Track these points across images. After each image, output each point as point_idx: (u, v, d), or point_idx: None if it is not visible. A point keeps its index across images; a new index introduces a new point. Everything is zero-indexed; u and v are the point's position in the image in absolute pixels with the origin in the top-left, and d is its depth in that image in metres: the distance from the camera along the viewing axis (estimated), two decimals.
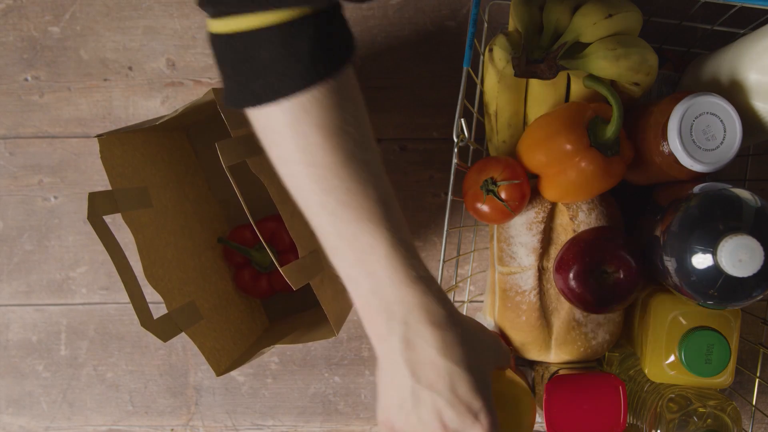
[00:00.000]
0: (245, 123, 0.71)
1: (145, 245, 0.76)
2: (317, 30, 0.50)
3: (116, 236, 0.90)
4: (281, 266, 0.66)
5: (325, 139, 0.51)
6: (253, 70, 0.50)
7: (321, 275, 0.72)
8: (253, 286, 0.89)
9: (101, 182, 0.92)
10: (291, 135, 0.51)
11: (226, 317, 0.85)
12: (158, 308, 0.80)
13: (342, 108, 0.52)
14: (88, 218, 0.70)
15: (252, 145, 0.70)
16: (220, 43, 0.52)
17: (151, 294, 0.75)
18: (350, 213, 0.52)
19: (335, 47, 0.52)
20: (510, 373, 0.73)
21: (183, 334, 0.79)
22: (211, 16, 0.52)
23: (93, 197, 0.71)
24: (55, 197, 0.93)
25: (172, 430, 0.95)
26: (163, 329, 0.73)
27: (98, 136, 0.73)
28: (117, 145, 0.76)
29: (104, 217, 0.72)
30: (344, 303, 0.79)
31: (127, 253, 0.73)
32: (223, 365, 0.79)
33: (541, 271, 0.78)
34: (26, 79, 0.92)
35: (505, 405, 0.66)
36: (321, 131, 0.51)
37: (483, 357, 0.57)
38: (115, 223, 0.91)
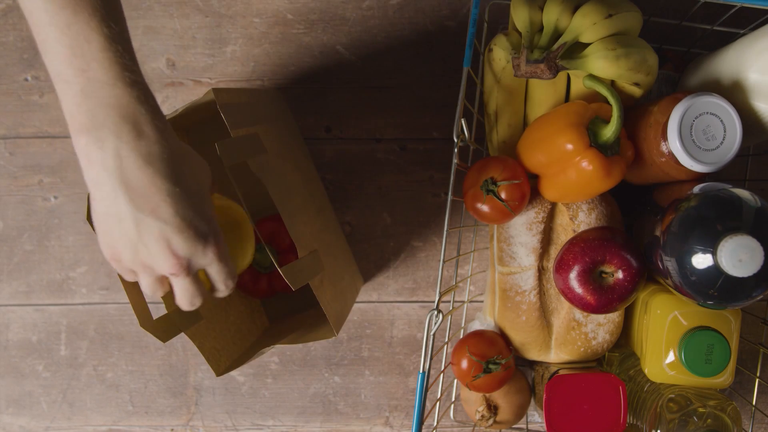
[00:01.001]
0: (245, 123, 0.71)
1: None
2: None
3: None
4: (281, 266, 0.66)
5: None
6: None
7: (321, 276, 0.72)
8: (254, 286, 0.89)
9: None
10: None
11: (226, 317, 0.85)
12: (158, 308, 0.80)
13: None
14: (88, 218, 0.70)
15: (252, 145, 0.70)
16: None
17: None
18: None
19: None
20: (220, 197, 0.70)
21: (183, 334, 0.79)
22: None
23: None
24: (55, 197, 0.93)
25: (172, 430, 0.95)
26: (163, 329, 0.72)
27: None
28: None
29: None
30: (344, 303, 0.79)
31: None
32: (222, 365, 0.79)
33: (541, 271, 0.78)
34: (26, 79, 0.92)
35: (225, 229, 0.62)
36: None
37: (200, 177, 0.54)
38: None
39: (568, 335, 0.78)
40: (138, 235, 0.51)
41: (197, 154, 0.55)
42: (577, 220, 0.77)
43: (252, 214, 0.67)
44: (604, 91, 0.69)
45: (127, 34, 0.50)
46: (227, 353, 0.81)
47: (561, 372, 0.76)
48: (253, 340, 0.88)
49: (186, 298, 0.56)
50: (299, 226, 0.71)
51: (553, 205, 0.79)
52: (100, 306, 0.94)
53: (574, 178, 0.71)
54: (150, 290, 0.56)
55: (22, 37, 0.91)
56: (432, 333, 0.70)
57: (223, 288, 0.57)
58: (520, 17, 0.72)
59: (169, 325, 0.73)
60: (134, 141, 0.49)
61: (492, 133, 0.81)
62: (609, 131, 0.70)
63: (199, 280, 0.56)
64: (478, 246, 0.91)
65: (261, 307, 0.94)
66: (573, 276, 0.72)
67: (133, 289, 0.71)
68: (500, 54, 0.75)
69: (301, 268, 0.68)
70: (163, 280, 0.56)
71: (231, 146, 0.66)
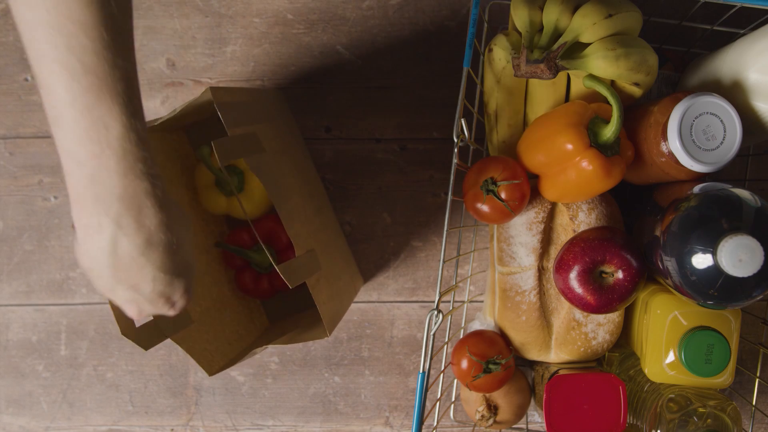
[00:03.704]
0: (243, 122, 0.71)
1: None
2: None
3: None
4: (279, 265, 0.66)
5: None
6: None
7: (318, 275, 0.72)
8: (255, 287, 0.89)
9: None
10: None
11: (221, 320, 0.85)
12: None
13: None
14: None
15: (250, 144, 0.70)
16: None
17: None
18: (91, 80, 0.48)
19: None
20: None
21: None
22: None
23: None
24: (55, 197, 0.93)
25: (172, 430, 0.95)
26: (145, 337, 0.71)
27: None
28: None
29: None
30: (341, 303, 0.79)
31: None
32: (216, 365, 0.79)
33: (541, 271, 0.78)
34: (26, 79, 0.92)
35: None
36: None
37: (186, 241, 0.56)
38: None
39: (568, 335, 0.78)
40: (112, 293, 0.55)
41: (184, 210, 0.57)
42: (577, 220, 0.77)
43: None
44: (604, 91, 0.69)
45: (144, 122, 0.51)
46: (221, 354, 0.81)
47: (561, 372, 0.76)
48: (251, 341, 0.88)
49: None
50: (297, 226, 0.71)
51: (553, 205, 0.78)
52: (100, 306, 0.94)
53: (574, 178, 0.71)
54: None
55: None
56: (432, 333, 0.70)
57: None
58: (520, 17, 0.72)
59: (153, 332, 0.72)
60: (133, 233, 0.51)
61: (492, 133, 0.81)
62: (609, 131, 0.70)
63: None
64: (478, 246, 0.91)
65: (261, 308, 0.94)
66: (573, 276, 0.72)
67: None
68: (500, 54, 0.75)
69: (298, 267, 0.68)
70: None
71: (228, 145, 0.66)
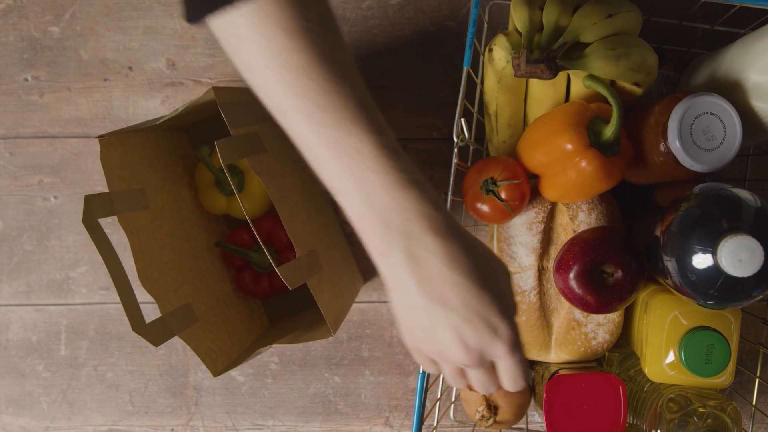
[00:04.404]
0: (245, 122, 0.71)
1: (141, 248, 0.76)
2: None
3: (114, 237, 0.90)
4: (279, 266, 0.66)
5: (290, 39, 0.48)
6: None
7: (319, 275, 0.72)
8: (255, 287, 0.89)
9: (101, 182, 0.92)
10: (255, 39, 0.49)
11: (224, 318, 0.85)
12: (157, 309, 0.80)
13: (304, 8, 0.49)
14: (83, 221, 0.70)
15: (252, 144, 0.70)
16: None
17: (148, 296, 0.75)
18: (329, 116, 0.49)
19: None
20: None
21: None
22: None
23: (89, 200, 0.71)
24: (55, 197, 0.93)
25: (172, 430, 0.95)
26: (156, 333, 0.72)
27: (99, 137, 0.74)
28: (117, 146, 0.76)
29: (102, 218, 0.72)
30: (343, 303, 0.79)
31: (123, 254, 0.73)
32: (220, 365, 0.79)
33: (541, 271, 0.78)
34: (26, 79, 0.92)
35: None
36: (285, 32, 0.48)
37: (491, 267, 0.54)
38: (115, 223, 0.91)
39: (568, 335, 0.78)
40: (430, 324, 0.52)
41: (490, 249, 0.56)
42: (577, 220, 0.77)
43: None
44: (604, 91, 0.69)
45: (392, 133, 0.52)
46: (225, 354, 0.81)
47: (561, 372, 0.76)
48: (252, 340, 0.88)
49: (480, 387, 0.57)
50: (297, 226, 0.71)
51: (553, 205, 0.79)
52: (100, 306, 0.94)
53: (574, 178, 0.71)
54: (452, 380, 0.57)
55: (22, 37, 0.91)
56: None
57: (509, 386, 0.57)
58: (520, 17, 0.72)
59: (162, 328, 0.73)
60: (420, 238, 0.51)
61: (492, 133, 0.81)
62: (609, 131, 0.70)
63: (492, 372, 0.56)
64: None
65: (261, 308, 0.94)
66: (573, 276, 0.72)
67: (125, 290, 0.71)
68: (500, 54, 0.75)
69: (298, 268, 0.68)
70: (463, 371, 0.57)
71: (230, 145, 0.66)
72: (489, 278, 0.53)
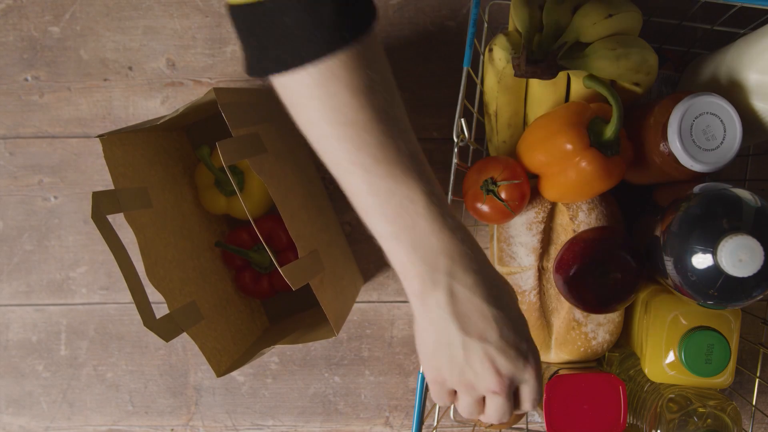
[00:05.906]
0: (246, 122, 0.71)
1: (147, 245, 0.76)
2: None
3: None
4: (280, 265, 0.66)
5: (354, 97, 0.51)
6: (277, 37, 0.50)
7: (321, 275, 0.72)
8: (254, 287, 0.89)
9: (101, 182, 0.92)
10: (319, 97, 0.51)
11: (226, 318, 0.85)
12: (159, 308, 0.80)
13: (369, 68, 0.52)
14: (92, 217, 0.70)
15: (253, 145, 0.70)
16: (241, 13, 0.51)
17: (151, 294, 0.75)
18: (384, 168, 0.52)
19: (357, 12, 0.52)
20: None
21: (183, 333, 0.79)
22: None
23: (97, 196, 0.71)
24: (55, 197, 0.93)
25: (172, 430, 0.95)
26: (166, 329, 0.73)
27: (100, 136, 0.74)
28: (118, 145, 0.77)
29: (109, 215, 0.72)
30: (344, 303, 0.79)
31: (128, 252, 0.73)
32: (223, 366, 0.79)
33: (541, 271, 0.78)
34: (26, 79, 0.92)
35: None
36: (349, 91, 0.51)
37: (507, 292, 0.57)
38: (115, 223, 0.91)
39: (568, 335, 0.78)
40: (465, 358, 0.55)
41: (497, 271, 0.60)
42: (577, 220, 0.77)
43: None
44: (604, 91, 0.69)
45: (437, 182, 0.55)
46: (228, 353, 0.81)
47: (561, 372, 0.76)
48: (253, 341, 0.88)
49: (497, 415, 0.59)
50: (299, 226, 0.71)
51: (553, 205, 0.79)
52: (100, 306, 0.94)
53: (574, 178, 0.71)
54: (468, 410, 0.59)
55: (22, 37, 0.91)
56: None
57: (528, 407, 0.60)
58: (520, 17, 0.72)
59: (171, 325, 0.74)
60: (462, 277, 0.54)
61: (492, 133, 0.81)
62: (609, 131, 0.70)
63: (512, 399, 0.59)
64: None
65: (261, 308, 0.94)
66: (573, 276, 0.72)
67: (136, 286, 0.71)
68: (500, 54, 0.75)
69: (301, 268, 0.68)
70: (481, 401, 0.59)
71: (232, 146, 0.66)
72: (511, 305, 0.57)
